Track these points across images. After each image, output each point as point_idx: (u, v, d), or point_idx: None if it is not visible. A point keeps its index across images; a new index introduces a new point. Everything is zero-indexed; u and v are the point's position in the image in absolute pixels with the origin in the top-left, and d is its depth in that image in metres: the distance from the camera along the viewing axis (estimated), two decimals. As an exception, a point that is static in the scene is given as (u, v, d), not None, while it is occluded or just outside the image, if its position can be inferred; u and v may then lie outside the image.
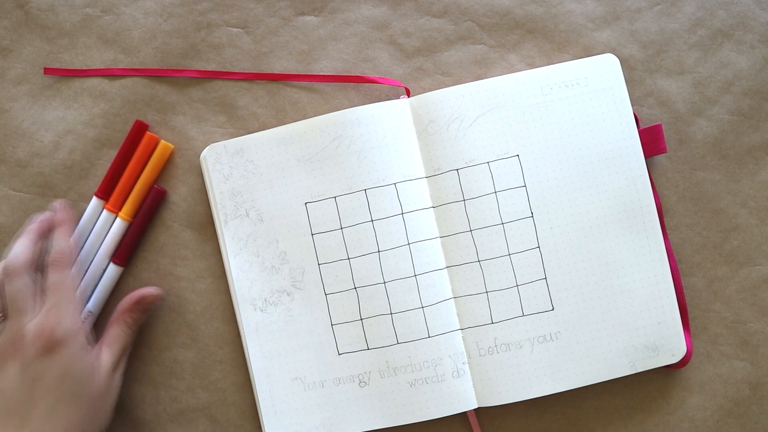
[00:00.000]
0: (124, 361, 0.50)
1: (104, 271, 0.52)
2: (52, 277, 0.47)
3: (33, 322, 0.45)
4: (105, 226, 0.51)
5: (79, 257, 0.51)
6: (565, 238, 0.50)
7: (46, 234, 0.50)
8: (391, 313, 0.50)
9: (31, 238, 0.49)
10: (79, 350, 0.46)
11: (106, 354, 0.48)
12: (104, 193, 0.52)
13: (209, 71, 0.53)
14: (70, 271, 0.48)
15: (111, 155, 0.52)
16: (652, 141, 0.50)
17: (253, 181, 0.51)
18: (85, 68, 0.53)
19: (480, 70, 0.52)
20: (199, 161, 0.52)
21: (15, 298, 0.46)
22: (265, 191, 0.51)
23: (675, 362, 0.49)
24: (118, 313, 0.50)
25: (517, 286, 0.50)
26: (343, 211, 0.50)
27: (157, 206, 0.52)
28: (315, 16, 0.53)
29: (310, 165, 0.50)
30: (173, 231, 0.52)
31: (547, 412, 0.51)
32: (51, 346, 0.45)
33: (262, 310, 0.50)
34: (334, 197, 0.50)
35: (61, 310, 0.46)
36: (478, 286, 0.50)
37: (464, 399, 0.49)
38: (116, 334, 0.49)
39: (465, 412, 0.51)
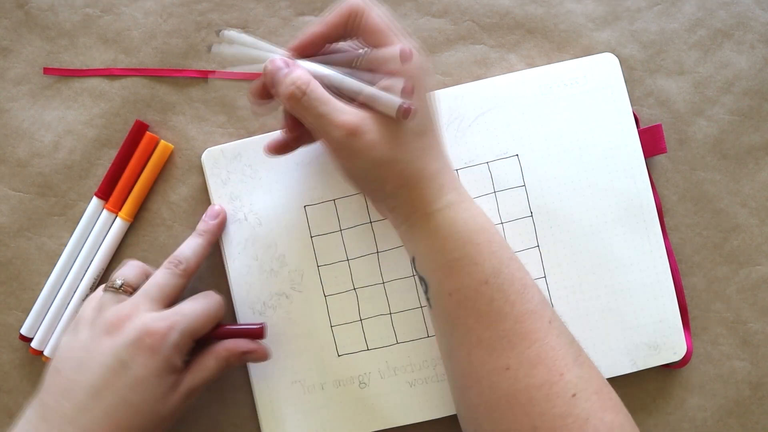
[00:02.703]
0: (200, 391, 0.46)
1: (104, 271, 0.52)
2: (196, 302, 0.45)
3: (151, 315, 0.43)
4: (105, 226, 0.51)
5: (79, 256, 0.51)
6: (565, 237, 0.50)
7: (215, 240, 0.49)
8: (390, 313, 0.50)
9: (208, 241, 0.48)
10: (168, 366, 0.43)
11: (188, 380, 0.44)
12: (104, 193, 0.52)
13: (209, 71, 0.53)
14: (216, 303, 0.46)
15: (111, 155, 0.52)
16: (652, 141, 0.50)
17: (252, 185, 0.50)
18: (85, 68, 0.53)
19: (480, 70, 0.52)
20: (199, 161, 0.52)
21: (161, 289, 0.45)
22: (264, 195, 0.50)
23: (676, 360, 0.49)
24: (222, 348, 0.46)
25: (516, 286, 0.49)
26: (342, 213, 0.50)
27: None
28: (315, 16, 0.53)
29: (309, 168, 0.50)
30: (174, 231, 0.52)
31: (547, 412, 0.51)
32: (153, 345, 0.42)
33: (261, 314, 0.50)
34: (333, 200, 0.50)
35: (181, 323, 0.43)
36: (477, 286, 0.50)
37: (464, 399, 0.49)
38: (208, 366, 0.45)
39: (465, 412, 0.51)
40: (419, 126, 0.41)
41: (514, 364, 0.39)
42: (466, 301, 0.40)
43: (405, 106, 0.38)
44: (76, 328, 0.44)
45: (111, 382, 0.41)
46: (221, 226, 0.50)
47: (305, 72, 0.40)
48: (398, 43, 0.40)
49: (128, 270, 0.47)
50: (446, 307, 0.41)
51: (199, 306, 0.45)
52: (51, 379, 0.43)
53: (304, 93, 0.39)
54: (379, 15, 0.41)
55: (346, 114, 0.39)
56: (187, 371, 0.45)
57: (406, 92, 0.39)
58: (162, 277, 0.45)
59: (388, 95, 0.39)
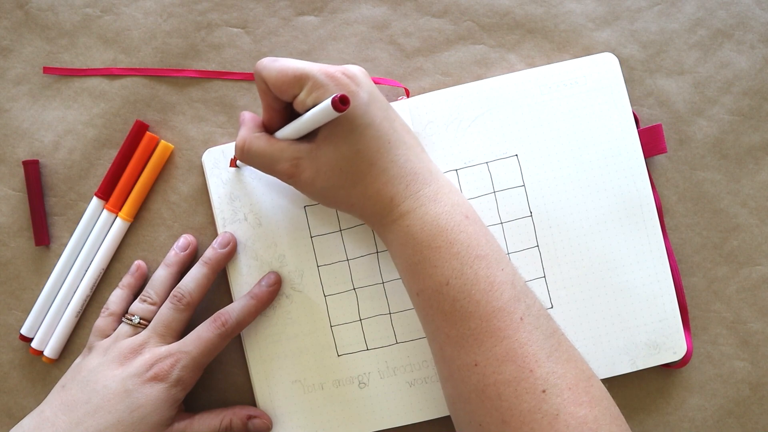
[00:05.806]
0: None
1: (104, 271, 0.52)
2: (208, 331, 0.46)
3: (159, 350, 0.46)
4: (105, 226, 0.51)
5: (79, 256, 0.51)
6: (564, 237, 0.50)
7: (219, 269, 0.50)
8: (389, 313, 0.50)
9: (213, 270, 0.49)
10: (170, 399, 0.45)
11: (185, 425, 0.46)
12: (104, 193, 0.52)
13: (209, 71, 0.53)
14: (224, 335, 0.47)
15: (111, 155, 0.52)
16: (652, 141, 0.50)
17: (252, 185, 0.50)
18: (85, 68, 0.53)
19: (480, 70, 0.52)
20: (199, 161, 0.52)
21: (167, 325, 0.47)
22: (264, 195, 0.50)
23: (676, 360, 0.49)
24: (233, 410, 0.48)
25: (516, 286, 0.49)
26: (342, 213, 0.50)
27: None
28: (315, 16, 0.53)
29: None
30: (174, 231, 0.52)
31: (547, 412, 0.51)
32: (158, 380, 0.44)
33: (261, 314, 0.50)
34: (333, 199, 0.50)
35: (184, 360, 0.45)
36: (477, 286, 0.49)
37: (464, 399, 0.49)
38: (211, 424, 0.47)
39: (464, 412, 0.51)
40: (350, 149, 0.42)
41: (481, 360, 0.39)
42: (430, 301, 0.41)
43: (337, 96, 0.38)
44: (89, 352, 0.47)
45: (111, 404, 0.44)
46: (229, 255, 0.50)
47: (242, 137, 0.45)
48: (311, 84, 0.41)
49: (144, 308, 0.48)
50: (417, 305, 0.43)
51: (203, 339, 0.46)
52: (55, 394, 0.46)
53: (242, 151, 0.45)
54: (277, 69, 0.42)
55: (283, 162, 0.43)
56: (190, 418, 0.47)
57: (335, 97, 0.38)
58: (167, 313, 0.47)
59: (321, 104, 0.39)
